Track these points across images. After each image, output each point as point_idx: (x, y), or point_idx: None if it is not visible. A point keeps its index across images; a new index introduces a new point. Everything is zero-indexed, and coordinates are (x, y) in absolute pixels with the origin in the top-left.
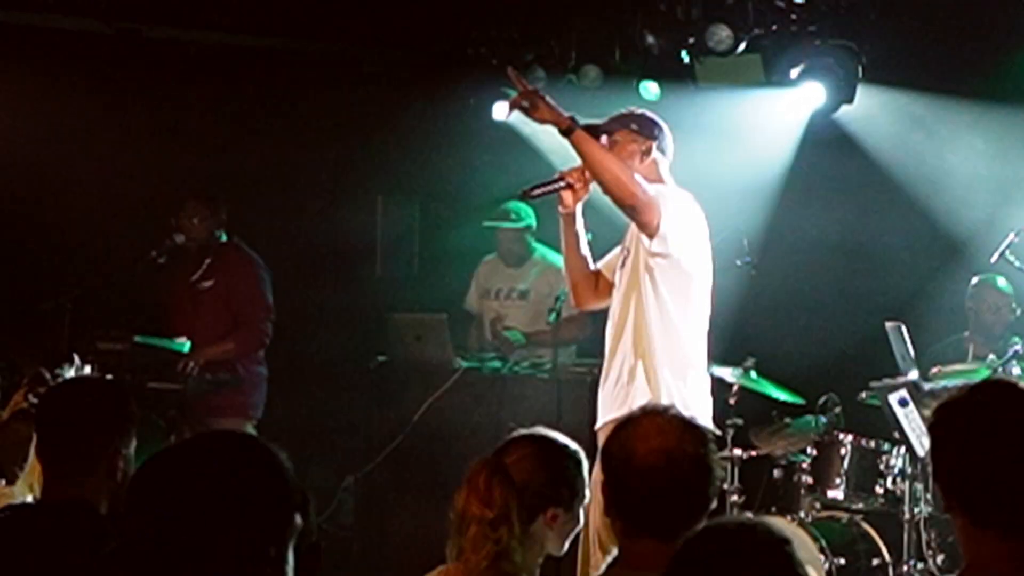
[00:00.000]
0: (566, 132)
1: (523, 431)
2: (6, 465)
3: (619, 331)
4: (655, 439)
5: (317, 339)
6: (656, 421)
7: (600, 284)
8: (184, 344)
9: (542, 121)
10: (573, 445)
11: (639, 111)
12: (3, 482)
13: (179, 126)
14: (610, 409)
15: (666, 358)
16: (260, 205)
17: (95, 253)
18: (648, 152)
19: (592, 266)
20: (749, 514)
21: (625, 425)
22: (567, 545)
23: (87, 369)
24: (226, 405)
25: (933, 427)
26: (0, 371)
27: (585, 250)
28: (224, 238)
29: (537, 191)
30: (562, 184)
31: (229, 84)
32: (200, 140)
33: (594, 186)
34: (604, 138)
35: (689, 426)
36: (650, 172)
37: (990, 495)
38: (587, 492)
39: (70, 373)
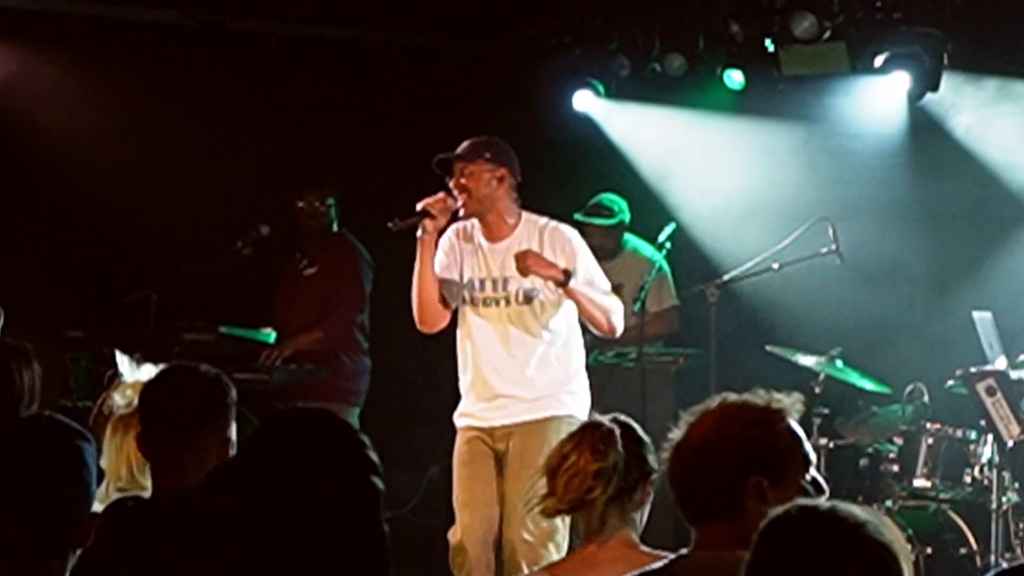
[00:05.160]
0: (563, 284)
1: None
2: None
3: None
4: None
5: (401, 330)
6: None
7: (446, 305)
8: (270, 334)
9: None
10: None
11: (491, 140)
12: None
13: (263, 118)
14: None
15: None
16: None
17: (180, 244)
18: (503, 179)
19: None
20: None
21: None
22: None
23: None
24: (329, 390)
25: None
26: (84, 361)
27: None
28: (335, 227)
29: (401, 224)
30: (425, 215)
31: (311, 76)
32: (283, 132)
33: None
34: (463, 167)
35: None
36: (507, 196)
37: None
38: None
39: (127, 369)
